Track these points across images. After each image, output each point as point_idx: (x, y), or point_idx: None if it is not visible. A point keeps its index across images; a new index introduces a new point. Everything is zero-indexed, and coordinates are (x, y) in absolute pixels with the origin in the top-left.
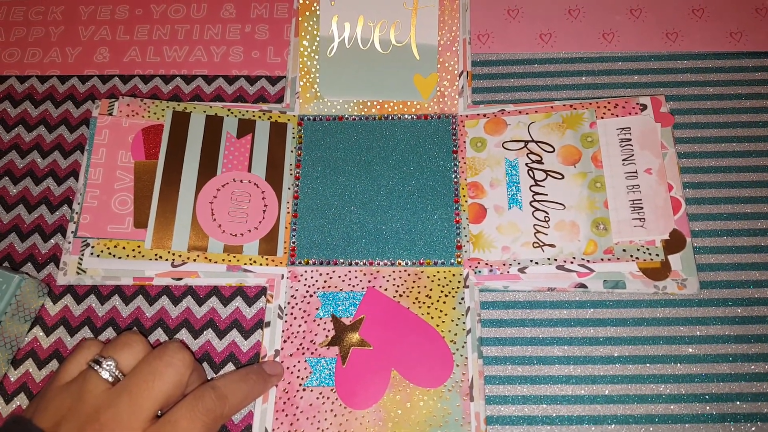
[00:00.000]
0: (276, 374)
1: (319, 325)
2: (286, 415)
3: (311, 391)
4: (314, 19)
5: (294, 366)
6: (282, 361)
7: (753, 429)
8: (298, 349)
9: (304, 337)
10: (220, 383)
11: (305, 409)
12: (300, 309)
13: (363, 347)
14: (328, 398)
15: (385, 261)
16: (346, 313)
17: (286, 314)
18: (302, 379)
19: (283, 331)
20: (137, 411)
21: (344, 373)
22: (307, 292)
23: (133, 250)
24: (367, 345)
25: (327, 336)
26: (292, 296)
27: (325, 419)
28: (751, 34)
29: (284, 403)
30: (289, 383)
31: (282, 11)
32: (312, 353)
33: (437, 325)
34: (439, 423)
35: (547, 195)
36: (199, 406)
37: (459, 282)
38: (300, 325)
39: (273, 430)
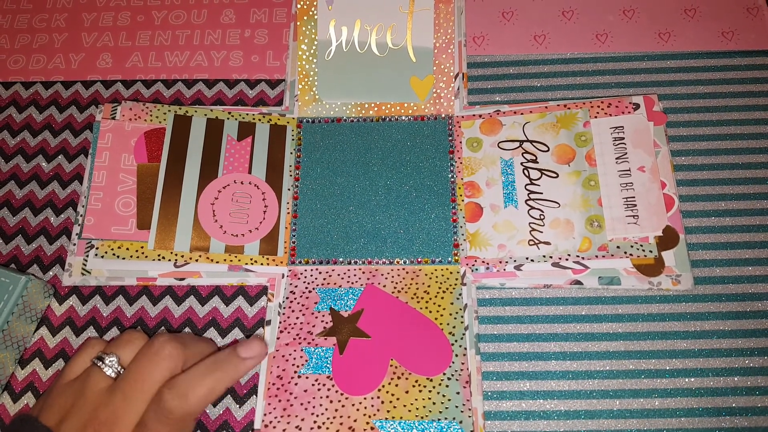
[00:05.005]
0: (252, 356)
1: (317, 317)
2: (279, 401)
3: (306, 378)
4: (312, 24)
5: (290, 354)
6: (277, 350)
7: (747, 423)
8: (294, 338)
9: (301, 328)
10: (180, 380)
11: (299, 395)
12: (299, 303)
13: (361, 337)
14: (324, 385)
15: (384, 260)
16: (344, 307)
17: (284, 308)
18: (298, 366)
19: (280, 322)
20: (131, 410)
21: (342, 361)
22: (307, 288)
23: (137, 251)
24: (366, 335)
25: (325, 328)
26: (291, 292)
27: (321, 405)
28: (742, 34)
29: (278, 389)
30: (283, 370)
31: (281, 16)
32: (309, 343)
33: (435, 319)
34: (439, 410)
35: (542, 193)
36: (161, 408)
37: (456, 280)
38: (297, 317)
39: (264, 415)
